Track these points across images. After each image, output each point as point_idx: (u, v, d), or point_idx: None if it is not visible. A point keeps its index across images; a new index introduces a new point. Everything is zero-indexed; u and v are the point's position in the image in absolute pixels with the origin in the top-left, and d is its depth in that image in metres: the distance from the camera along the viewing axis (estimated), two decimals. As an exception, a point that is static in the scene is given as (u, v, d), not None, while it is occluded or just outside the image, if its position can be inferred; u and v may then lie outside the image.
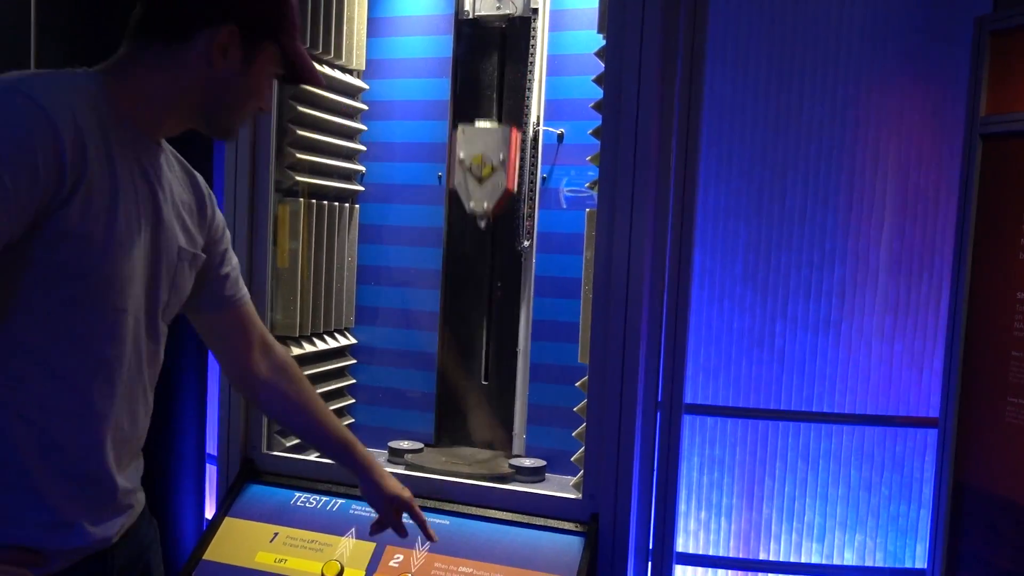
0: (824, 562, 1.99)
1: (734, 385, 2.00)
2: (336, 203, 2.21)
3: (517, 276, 2.17)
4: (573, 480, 1.88)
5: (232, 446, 1.98)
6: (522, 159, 2.10)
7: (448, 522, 1.79)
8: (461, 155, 2.10)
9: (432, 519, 1.76)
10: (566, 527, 1.74)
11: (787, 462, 2.01)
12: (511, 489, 1.81)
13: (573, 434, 1.90)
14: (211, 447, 2.25)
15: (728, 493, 2.04)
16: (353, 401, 2.37)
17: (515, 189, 2.03)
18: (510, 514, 1.78)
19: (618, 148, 1.65)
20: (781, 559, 2.03)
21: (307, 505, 1.89)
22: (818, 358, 1.97)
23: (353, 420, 2.38)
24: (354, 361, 2.36)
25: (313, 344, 2.17)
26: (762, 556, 2.04)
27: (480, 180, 2.08)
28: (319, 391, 2.17)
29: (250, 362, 1.23)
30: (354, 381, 2.37)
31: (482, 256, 2.24)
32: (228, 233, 1.19)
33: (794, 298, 1.96)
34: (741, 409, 2.00)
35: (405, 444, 2.24)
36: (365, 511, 1.85)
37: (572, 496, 1.77)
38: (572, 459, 1.87)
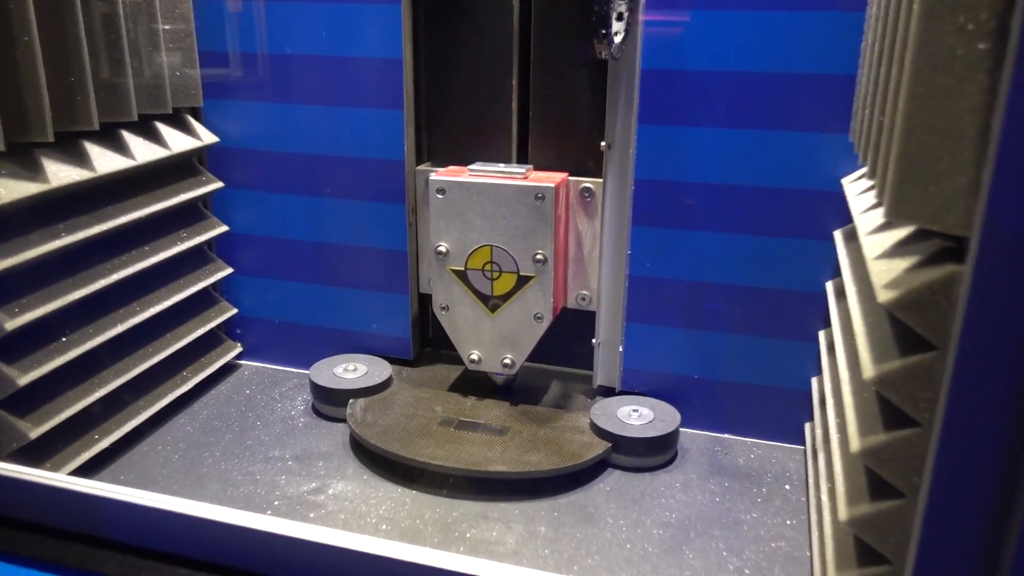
0: None
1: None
2: None
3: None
4: (825, 536, 0.66)
5: None
6: None
7: None
8: (442, 246, 0.94)
9: None
10: None
11: None
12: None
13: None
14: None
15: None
16: (229, 271, 1.09)
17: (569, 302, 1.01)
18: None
19: None
20: None
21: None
22: None
23: (235, 311, 1.11)
24: (218, 184, 1.05)
25: (75, 160, 0.85)
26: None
27: (490, 303, 0.94)
28: (128, 270, 0.90)
29: None
30: (224, 228, 1.07)
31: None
32: None
33: None
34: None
35: (348, 368, 1.01)
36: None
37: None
38: (845, 519, 0.63)
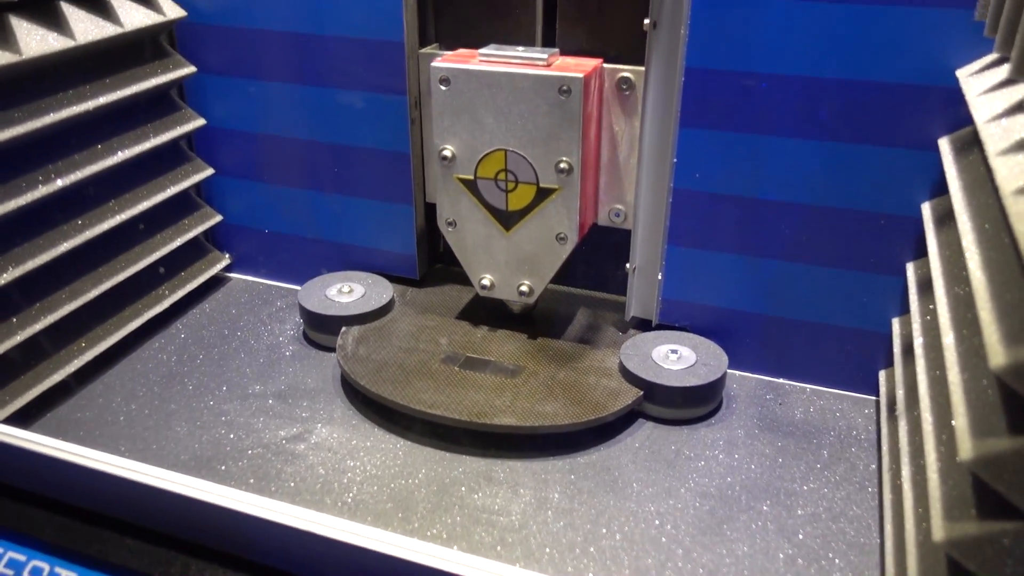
0: None
1: None
2: None
3: None
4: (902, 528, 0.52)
5: None
6: None
7: None
8: (447, 149, 0.78)
9: None
10: None
11: None
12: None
13: None
14: None
15: None
16: (210, 172, 0.95)
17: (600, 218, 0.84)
18: None
19: None
20: None
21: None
22: None
23: (220, 218, 0.98)
24: (191, 69, 0.89)
25: None
26: None
27: (505, 218, 0.78)
28: (86, 170, 0.76)
29: None
30: (202, 122, 0.92)
31: None
32: None
33: None
34: None
35: (344, 290, 0.88)
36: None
37: None
38: (943, 538, 0.48)
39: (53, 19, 0.74)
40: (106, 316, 0.85)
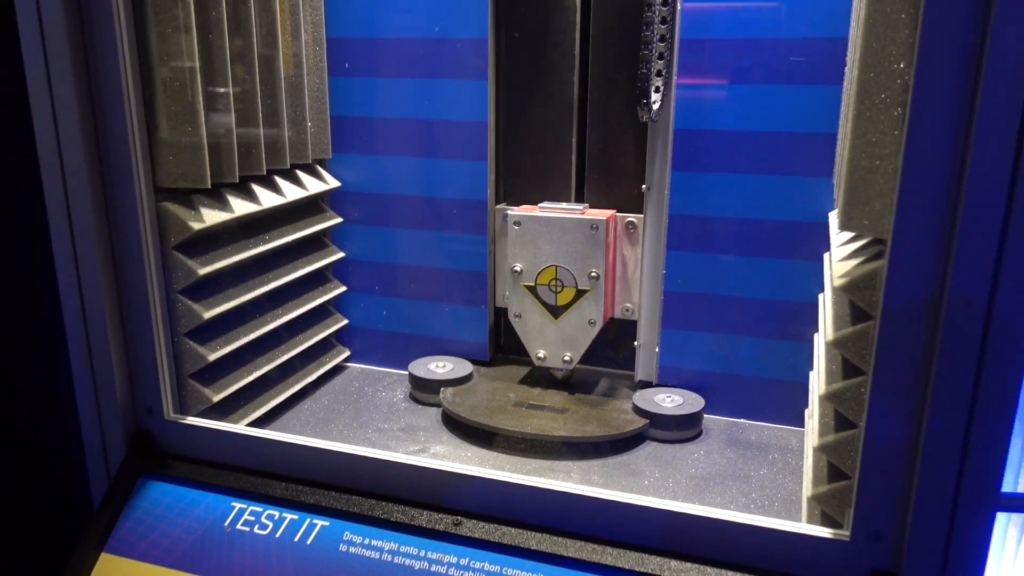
0: None
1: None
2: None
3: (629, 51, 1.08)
4: (807, 471, 0.90)
5: (106, 405, 1.00)
6: None
7: (542, 577, 0.84)
8: (517, 266, 1.21)
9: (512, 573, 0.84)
10: (810, 598, 0.78)
11: None
12: (671, 511, 0.83)
13: (827, 388, 0.89)
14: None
15: None
16: (344, 289, 1.36)
17: (616, 313, 1.27)
18: (679, 562, 0.82)
19: None
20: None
21: (257, 529, 0.94)
22: None
23: (346, 321, 1.38)
24: (338, 220, 1.33)
25: (249, 197, 1.13)
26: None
27: (554, 311, 1.21)
28: (278, 282, 1.19)
29: None
30: (342, 255, 1.35)
31: (567, 14, 1.17)
32: None
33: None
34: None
35: (439, 366, 1.26)
36: (373, 546, 0.91)
37: (826, 533, 0.79)
38: (816, 445, 0.86)
39: (273, 185, 1.18)
40: (273, 384, 1.23)
